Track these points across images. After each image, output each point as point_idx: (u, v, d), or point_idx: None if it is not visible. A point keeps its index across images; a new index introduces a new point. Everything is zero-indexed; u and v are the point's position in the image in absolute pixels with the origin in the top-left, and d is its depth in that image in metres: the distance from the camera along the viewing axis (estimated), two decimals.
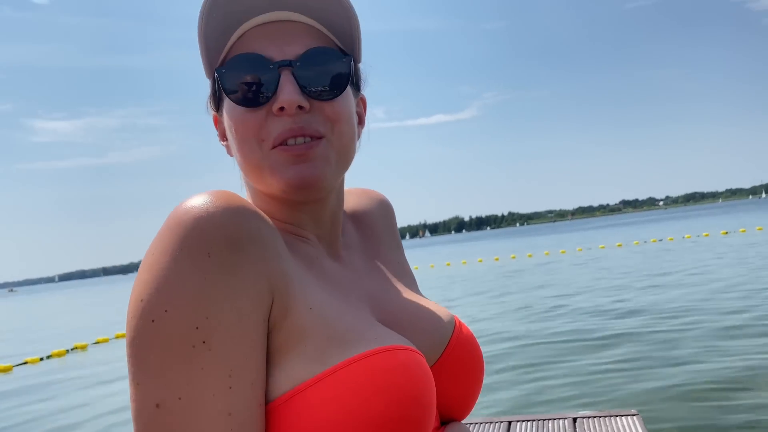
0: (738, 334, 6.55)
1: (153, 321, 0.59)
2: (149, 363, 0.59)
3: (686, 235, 27.40)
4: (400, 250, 1.03)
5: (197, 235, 0.61)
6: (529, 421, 2.49)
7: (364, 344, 0.68)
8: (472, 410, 0.94)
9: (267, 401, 0.64)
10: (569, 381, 5.50)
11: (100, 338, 13.34)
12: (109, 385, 8.15)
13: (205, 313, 0.59)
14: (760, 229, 25.49)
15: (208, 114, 0.87)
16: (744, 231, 25.60)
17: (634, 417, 2.36)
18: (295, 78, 0.74)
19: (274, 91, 0.74)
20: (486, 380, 0.92)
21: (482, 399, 4.96)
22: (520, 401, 5.06)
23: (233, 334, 0.60)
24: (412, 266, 1.04)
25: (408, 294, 0.91)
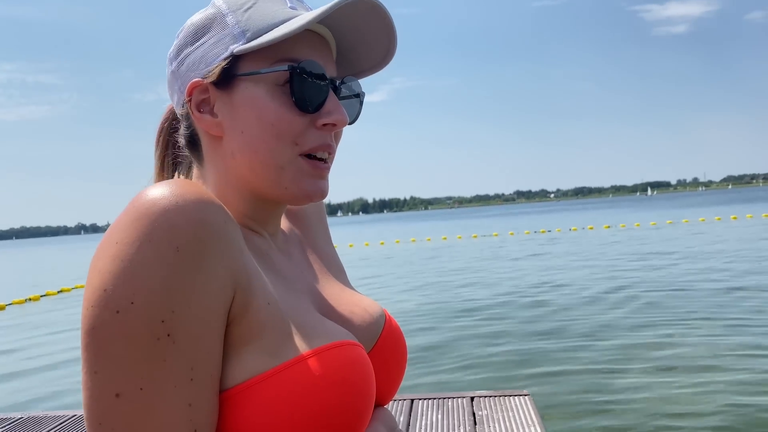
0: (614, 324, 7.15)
1: (117, 312, 0.58)
2: (111, 353, 0.59)
3: (572, 228, 29.13)
4: (330, 241, 1.06)
5: (166, 228, 0.61)
6: (430, 399, 2.65)
7: (316, 339, 0.71)
8: None
9: (222, 389, 0.66)
10: (465, 363, 5.81)
11: None
12: None
13: (171, 307, 0.59)
14: (653, 224, 27.59)
15: (168, 65, 0.81)
16: (624, 226, 27.60)
17: (526, 397, 2.57)
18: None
19: (322, 105, 0.76)
20: None
21: None
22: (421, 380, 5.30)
23: (197, 328, 0.61)
24: None
25: (342, 288, 0.95)
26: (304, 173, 0.77)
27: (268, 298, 0.70)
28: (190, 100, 0.79)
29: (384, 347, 0.90)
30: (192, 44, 0.78)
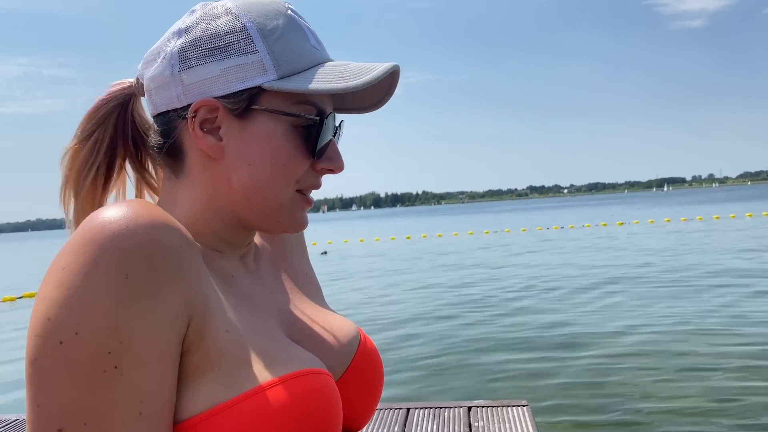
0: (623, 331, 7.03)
1: (61, 343, 0.56)
2: (54, 386, 0.56)
3: (586, 224, 28.97)
4: (306, 258, 1.02)
5: (115, 254, 0.58)
6: (426, 408, 2.59)
7: (279, 368, 0.68)
8: None
9: (176, 421, 0.62)
10: (463, 371, 5.72)
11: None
12: None
13: (118, 338, 0.57)
14: (667, 220, 27.38)
15: (167, 63, 0.74)
16: (637, 222, 27.40)
17: (524, 407, 2.51)
18: None
19: (324, 151, 0.79)
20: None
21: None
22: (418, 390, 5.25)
23: (147, 359, 0.58)
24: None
25: (315, 308, 0.92)
26: (298, 208, 0.79)
27: (227, 324, 0.67)
28: (194, 116, 0.74)
29: (358, 369, 0.88)
30: (206, 55, 0.73)
